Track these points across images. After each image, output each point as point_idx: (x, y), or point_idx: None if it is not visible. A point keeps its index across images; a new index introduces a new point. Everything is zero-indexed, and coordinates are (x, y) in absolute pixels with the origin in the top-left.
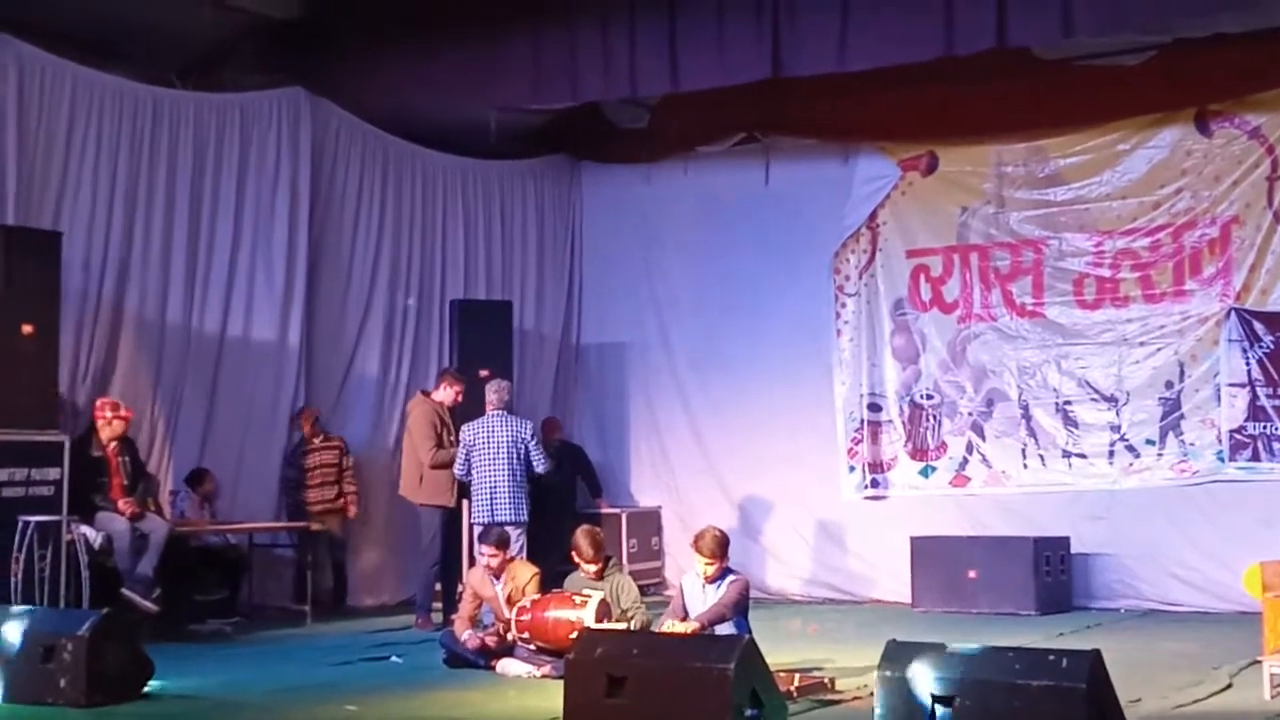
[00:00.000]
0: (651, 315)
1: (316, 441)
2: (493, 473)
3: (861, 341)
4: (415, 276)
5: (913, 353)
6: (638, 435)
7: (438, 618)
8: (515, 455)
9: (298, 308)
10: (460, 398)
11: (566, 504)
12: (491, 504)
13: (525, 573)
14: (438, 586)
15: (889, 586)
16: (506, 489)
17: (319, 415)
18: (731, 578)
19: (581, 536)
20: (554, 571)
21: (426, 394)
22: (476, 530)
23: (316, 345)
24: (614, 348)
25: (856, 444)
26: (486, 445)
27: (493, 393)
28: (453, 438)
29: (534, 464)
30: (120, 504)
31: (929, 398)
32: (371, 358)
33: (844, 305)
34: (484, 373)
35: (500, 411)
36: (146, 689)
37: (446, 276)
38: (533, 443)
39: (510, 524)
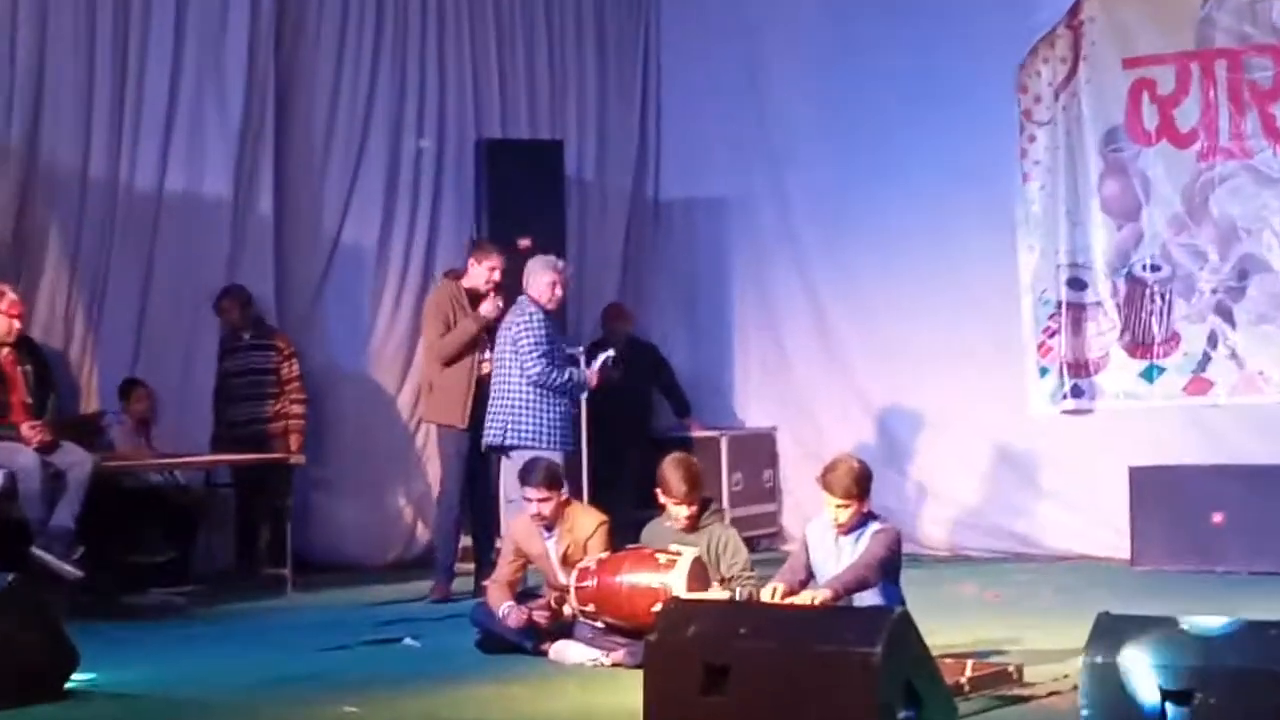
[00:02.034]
0: (760, 159)
1: (246, 337)
2: (502, 381)
3: (1058, 190)
4: (429, 112)
5: (1132, 205)
6: (743, 328)
7: (466, 584)
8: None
9: (264, 157)
10: (497, 275)
11: (638, 425)
12: (504, 425)
13: (588, 522)
14: (467, 541)
15: (1098, 536)
16: (518, 404)
17: (250, 298)
18: (875, 527)
19: (672, 468)
20: (626, 520)
21: (455, 275)
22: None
23: (291, 208)
24: (708, 205)
25: (1051, 336)
26: (501, 344)
27: (527, 273)
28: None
29: (523, 367)
30: (24, 429)
31: (1155, 269)
32: (368, 223)
33: (1033, 139)
34: (524, 242)
35: (524, 297)
36: (70, 684)
37: (472, 110)
38: (522, 332)
39: (524, 449)
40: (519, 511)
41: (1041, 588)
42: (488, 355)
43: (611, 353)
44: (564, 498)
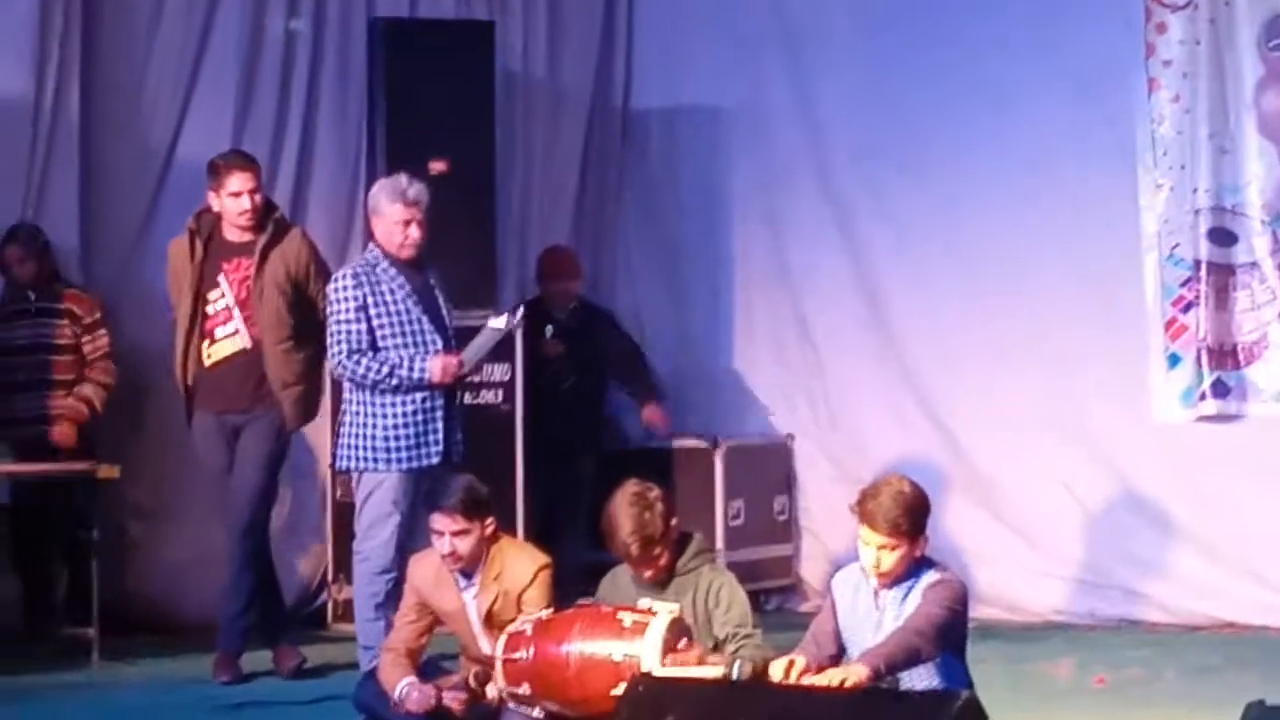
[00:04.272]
0: (776, 55)
1: (33, 298)
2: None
3: (1199, 103)
4: None
5: None
6: (748, 292)
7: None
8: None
9: (70, 43)
10: (248, 201)
11: (593, 428)
12: (339, 439)
13: (524, 566)
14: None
15: (1249, 596)
16: (347, 408)
17: (47, 245)
18: (932, 578)
19: (619, 511)
20: (577, 564)
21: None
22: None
23: (103, 109)
24: (698, 117)
25: (1185, 310)
26: None
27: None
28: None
29: None
30: None
31: None
32: (214, 138)
33: (1163, 29)
34: (438, 165)
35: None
36: None
37: None
38: (329, 305)
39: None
40: (422, 552)
41: (1167, 668)
42: (230, 330)
43: (499, 323)
44: (489, 530)
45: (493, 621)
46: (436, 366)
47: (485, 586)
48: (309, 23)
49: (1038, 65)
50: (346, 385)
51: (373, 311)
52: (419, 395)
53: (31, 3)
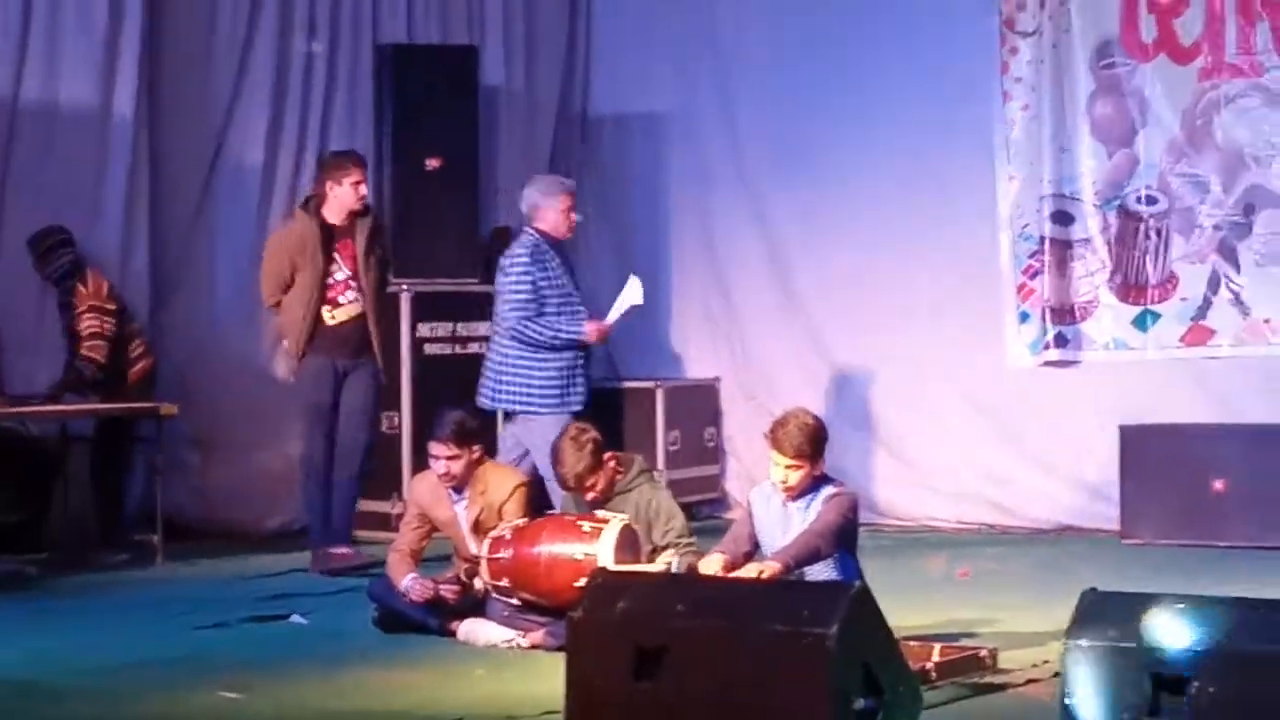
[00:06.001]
0: (705, 70)
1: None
2: (492, 331)
3: (1043, 111)
4: (321, 10)
5: (1126, 128)
6: (682, 263)
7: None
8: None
9: (129, 57)
10: (364, 189)
11: None
12: (492, 386)
13: (504, 483)
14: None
15: (1083, 505)
16: (500, 360)
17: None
18: (829, 491)
19: (561, 449)
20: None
21: (319, 202)
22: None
23: (165, 119)
24: (642, 122)
25: (1033, 277)
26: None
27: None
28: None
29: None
30: None
31: (1150, 201)
32: (254, 134)
33: (1015, 52)
34: (432, 162)
35: (525, 231)
36: None
37: (370, 8)
38: (502, 274)
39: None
40: (422, 473)
41: (1019, 563)
42: (351, 297)
43: (636, 299)
44: (476, 455)
45: (479, 528)
46: (592, 330)
47: (473, 500)
48: (325, 46)
49: (914, 86)
50: (507, 341)
51: (541, 284)
52: (568, 353)
53: (103, 21)
